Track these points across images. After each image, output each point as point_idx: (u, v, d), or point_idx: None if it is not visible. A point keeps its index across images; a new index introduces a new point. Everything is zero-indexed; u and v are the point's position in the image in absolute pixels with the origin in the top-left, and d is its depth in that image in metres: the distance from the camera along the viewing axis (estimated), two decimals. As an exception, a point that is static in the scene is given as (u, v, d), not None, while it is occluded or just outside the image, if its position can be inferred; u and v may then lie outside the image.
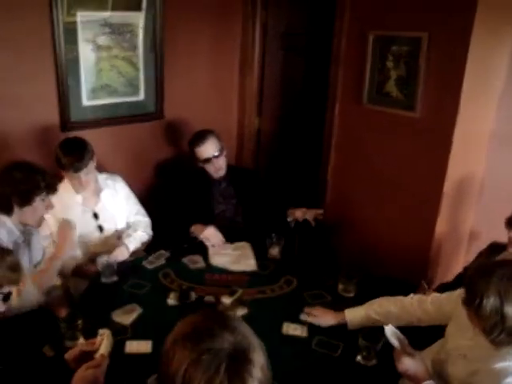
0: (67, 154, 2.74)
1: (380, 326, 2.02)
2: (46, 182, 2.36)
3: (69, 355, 1.83)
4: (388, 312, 2.14)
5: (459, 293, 2.02)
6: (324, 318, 2.24)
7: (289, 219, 3.05)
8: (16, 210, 2.35)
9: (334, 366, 2.04)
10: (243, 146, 4.12)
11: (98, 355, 1.79)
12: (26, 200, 2.33)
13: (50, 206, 2.44)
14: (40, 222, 2.47)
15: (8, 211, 2.35)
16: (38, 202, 2.36)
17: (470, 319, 1.73)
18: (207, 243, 2.90)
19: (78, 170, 2.72)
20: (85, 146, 2.77)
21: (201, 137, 3.11)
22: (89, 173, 2.78)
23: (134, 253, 2.87)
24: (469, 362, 1.79)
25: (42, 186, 2.34)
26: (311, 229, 3.43)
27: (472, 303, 1.65)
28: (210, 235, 2.91)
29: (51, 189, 2.41)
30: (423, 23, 2.91)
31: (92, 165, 2.80)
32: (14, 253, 1.84)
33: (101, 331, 1.91)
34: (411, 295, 2.19)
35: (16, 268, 1.74)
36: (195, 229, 2.95)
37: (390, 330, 1.91)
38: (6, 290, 1.70)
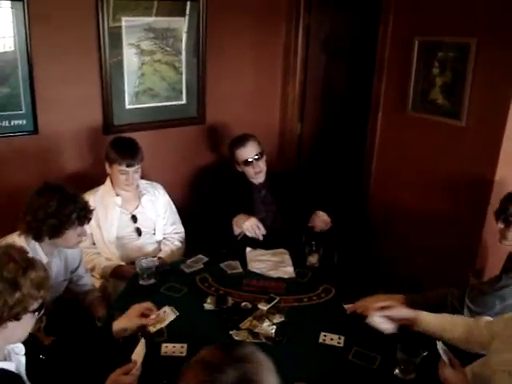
0: (122, 149, 2.83)
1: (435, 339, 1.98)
2: (78, 214, 2.24)
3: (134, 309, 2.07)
4: (455, 332, 2.04)
5: (510, 315, 1.96)
6: (399, 309, 2.14)
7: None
8: (46, 239, 2.27)
9: (371, 378, 1.98)
10: (284, 151, 4.10)
11: (133, 359, 1.83)
12: (56, 234, 2.24)
13: (83, 234, 2.35)
14: (75, 245, 2.39)
15: (38, 238, 2.26)
16: (69, 233, 2.26)
17: None
18: (248, 234, 2.88)
19: (130, 165, 2.80)
20: (137, 145, 2.88)
21: (242, 139, 3.12)
22: (137, 172, 2.87)
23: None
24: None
25: (73, 218, 2.23)
26: (352, 235, 3.38)
27: None
28: (252, 226, 2.88)
29: (83, 220, 2.29)
30: (471, 28, 2.84)
31: (140, 165, 2.87)
32: (42, 264, 1.68)
33: (164, 309, 2.17)
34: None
35: (41, 285, 1.58)
36: (237, 220, 2.93)
37: (440, 346, 1.87)
38: (34, 306, 1.58)
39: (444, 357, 1.84)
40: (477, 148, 2.94)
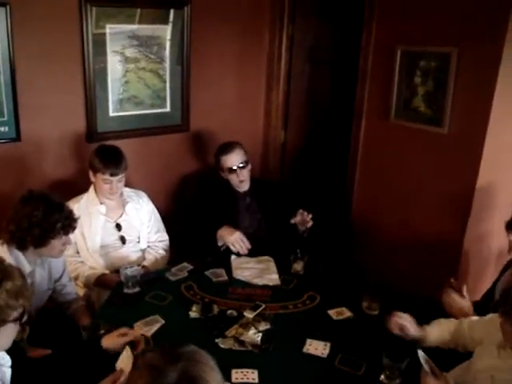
0: (106, 158, 2.79)
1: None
2: (63, 223, 2.21)
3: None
4: (451, 334, 2.08)
5: (490, 317, 1.98)
6: (413, 328, 2.13)
7: (300, 230, 2.98)
8: (30, 248, 2.23)
9: (357, 384, 2.00)
10: (268, 159, 4.11)
11: (118, 368, 1.82)
12: (40, 243, 2.20)
13: (67, 243, 2.32)
14: (59, 253, 2.35)
15: (22, 248, 2.22)
16: (53, 242, 2.23)
17: (504, 332, 1.71)
18: (232, 249, 2.87)
19: (114, 174, 2.78)
20: (122, 154, 2.85)
21: (228, 146, 3.12)
22: (121, 181, 2.85)
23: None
24: (498, 383, 1.73)
25: (58, 228, 2.19)
26: (336, 239, 3.36)
27: (510, 313, 1.64)
28: (236, 240, 2.87)
29: (68, 229, 2.26)
30: (452, 38, 2.88)
31: (124, 173, 2.85)
32: (19, 272, 1.66)
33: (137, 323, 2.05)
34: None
35: (19, 294, 1.57)
36: (222, 233, 2.91)
37: (421, 354, 1.88)
38: (13, 316, 1.57)
39: (425, 366, 1.85)
40: (459, 155, 2.97)
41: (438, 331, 2.11)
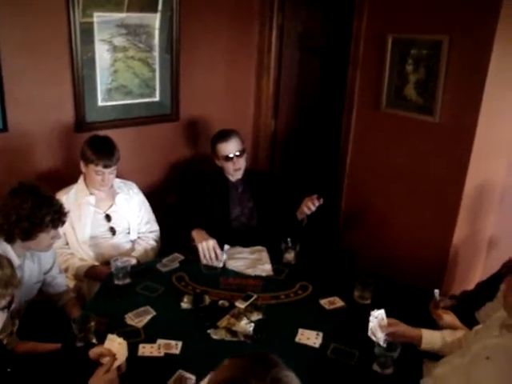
0: (99, 149, 2.77)
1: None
2: (52, 217, 2.16)
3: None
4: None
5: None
6: (402, 327, 2.10)
7: (299, 218, 2.96)
8: (18, 241, 2.19)
9: (350, 374, 2.00)
10: (259, 148, 4.09)
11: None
12: (28, 237, 2.16)
13: (56, 236, 2.28)
14: (47, 247, 2.31)
15: (10, 240, 2.19)
16: (42, 236, 2.19)
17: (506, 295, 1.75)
18: (201, 256, 2.74)
19: (107, 166, 2.76)
20: (115, 145, 2.83)
21: (225, 134, 3.08)
22: (113, 173, 2.83)
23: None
24: (493, 364, 1.72)
25: (46, 221, 2.15)
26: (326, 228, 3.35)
27: None
28: (208, 249, 2.73)
29: (57, 223, 2.21)
30: (444, 26, 2.86)
31: (116, 165, 2.83)
32: (8, 262, 1.69)
33: (110, 336, 1.92)
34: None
35: (8, 283, 1.60)
36: (196, 236, 2.82)
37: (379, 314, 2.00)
38: (1, 304, 1.61)
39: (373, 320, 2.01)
40: (450, 144, 2.97)
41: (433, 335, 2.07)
